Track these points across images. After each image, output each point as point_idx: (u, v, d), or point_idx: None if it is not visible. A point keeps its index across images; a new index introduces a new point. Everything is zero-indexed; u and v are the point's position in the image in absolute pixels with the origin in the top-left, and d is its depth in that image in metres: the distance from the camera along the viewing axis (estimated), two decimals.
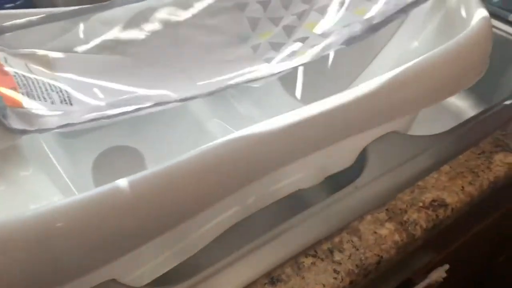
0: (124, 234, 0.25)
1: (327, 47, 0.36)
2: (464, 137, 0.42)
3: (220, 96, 0.48)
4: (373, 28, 0.35)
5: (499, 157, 0.40)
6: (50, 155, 0.34)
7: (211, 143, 0.28)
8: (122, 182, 0.24)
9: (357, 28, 0.36)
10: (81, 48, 0.36)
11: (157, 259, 0.33)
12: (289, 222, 0.34)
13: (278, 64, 0.38)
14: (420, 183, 0.38)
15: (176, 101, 0.29)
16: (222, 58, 0.40)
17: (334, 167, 0.41)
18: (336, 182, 0.40)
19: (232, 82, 0.33)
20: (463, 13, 0.41)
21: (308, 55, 0.36)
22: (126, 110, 0.29)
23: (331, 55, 0.46)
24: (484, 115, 0.44)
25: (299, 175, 0.39)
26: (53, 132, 0.42)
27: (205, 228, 0.34)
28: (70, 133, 0.44)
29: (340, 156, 0.41)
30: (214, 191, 0.28)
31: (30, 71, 0.31)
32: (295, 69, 0.49)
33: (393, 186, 0.38)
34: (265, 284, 0.31)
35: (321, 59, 0.48)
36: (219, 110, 0.45)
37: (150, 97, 0.31)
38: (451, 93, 0.38)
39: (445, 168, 0.39)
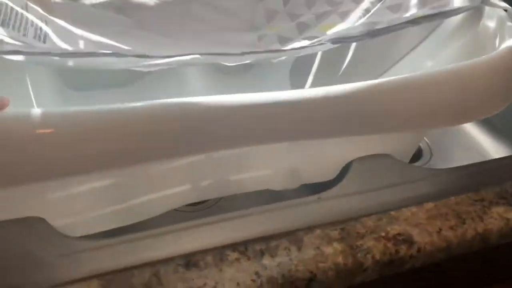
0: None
1: (317, 41, 0.34)
2: (465, 180, 0.37)
3: (222, 77, 0.48)
4: (372, 33, 0.33)
5: (498, 210, 0.35)
6: (31, 94, 0.36)
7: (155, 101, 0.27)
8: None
9: (356, 30, 0.33)
10: (88, 0, 0.38)
11: (92, 213, 0.33)
12: (233, 213, 0.33)
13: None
14: (393, 213, 0.34)
15: (132, 55, 0.29)
16: (224, 41, 0.39)
17: (311, 176, 0.38)
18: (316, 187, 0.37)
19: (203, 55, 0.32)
20: (495, 41, 0.37)
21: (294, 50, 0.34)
22: (79, 51, 0.29)
23: (346, 61, 0.44)
24: (497, 163, 0.38)
25: (266, 172, 0.37)
26: (58, 79, 0.44)
27: (149, 197, 0.34)
28: (74, 84, 0.46)
29: (319, 166, 0.38)
30: (138, 148, 0.27)
31: (26, 9, 0.33)
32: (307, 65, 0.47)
33: (360, 208, 0.34)
34: (179, 265, 0.29)
35: (334, 64, 0.46)
36: (218, 90, 0.45)
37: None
38: (456, 120, 0.34)
39: (429, 205, 0.35)
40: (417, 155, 0.57)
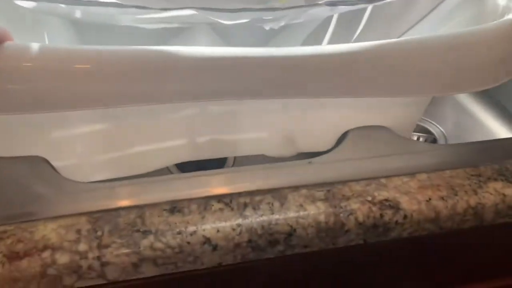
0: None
1: (313, 5, 0.34)
2: (463, 156, 0.36)
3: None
4: None
5: (495, 185, 0.34)
6: (45, 36, 0.38)
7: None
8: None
9: None
10: None
11: (90, 158, 0.34)
12: (222, 169, 0.34)
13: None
14: (382, 180, 0.34)
15: (132, 6, 0.31)
16: (229, 8, 0.41)
17: (307, 145, 0.39)
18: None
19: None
20: (505, 16, 0.36)
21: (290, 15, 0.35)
22: (83, 0, 0.31)
23: (358, 31, 0.44)
24: (499, 143, 0.37)
25: (262, 136, 0.37)
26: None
27: (145, 149, 0.35)
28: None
29: (316, 135, 0.38)
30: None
31: None
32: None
33: (350, 174, 0.34)
34: (164, 210, 0.30)
35: (347, 33, 0.46)
36: None
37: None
38: (450, 88, 0.33)
39: (421, 175, 0.34)
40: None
